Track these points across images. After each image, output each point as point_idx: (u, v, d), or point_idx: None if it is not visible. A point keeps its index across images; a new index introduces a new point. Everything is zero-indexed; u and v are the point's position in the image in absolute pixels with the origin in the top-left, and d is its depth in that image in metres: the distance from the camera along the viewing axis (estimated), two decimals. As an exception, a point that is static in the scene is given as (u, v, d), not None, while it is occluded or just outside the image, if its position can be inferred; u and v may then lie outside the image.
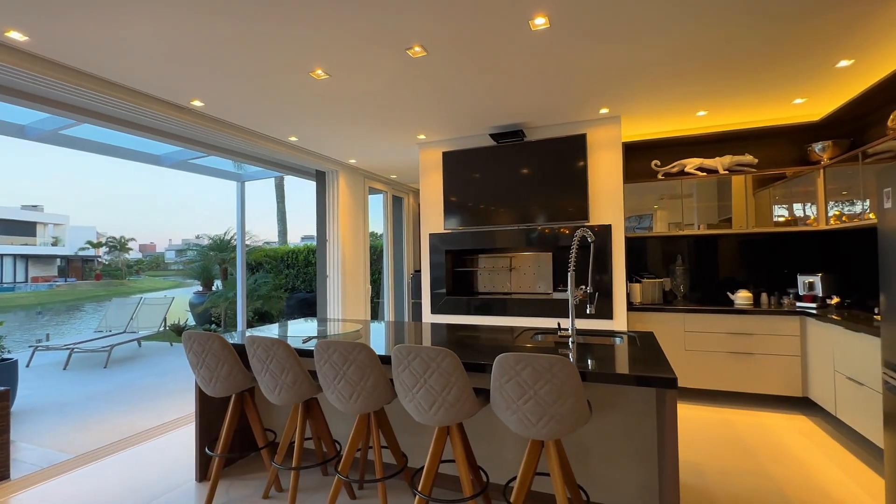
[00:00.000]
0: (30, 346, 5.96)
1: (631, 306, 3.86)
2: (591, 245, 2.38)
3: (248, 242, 9.51)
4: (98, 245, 32.80)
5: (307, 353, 2.24)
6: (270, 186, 14.44)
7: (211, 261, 9.23)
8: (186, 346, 2.23)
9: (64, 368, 5.53)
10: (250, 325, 8.09)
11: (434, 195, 4.29)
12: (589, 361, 1.83)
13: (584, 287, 2.30)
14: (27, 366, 5.63)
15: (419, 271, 6.42)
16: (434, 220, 4.29)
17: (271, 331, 2.83)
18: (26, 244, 28.53)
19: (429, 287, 4.28)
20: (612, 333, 2.53)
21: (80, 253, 31.31)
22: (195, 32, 2.21)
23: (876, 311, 3.05)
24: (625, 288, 3.63)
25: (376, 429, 2.05)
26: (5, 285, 25.72)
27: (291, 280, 9.31)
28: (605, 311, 3.63)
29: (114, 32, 2.19)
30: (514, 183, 3.91)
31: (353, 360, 1.86)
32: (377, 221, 6.34)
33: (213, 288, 9.34)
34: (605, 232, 3.65)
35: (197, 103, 3.16)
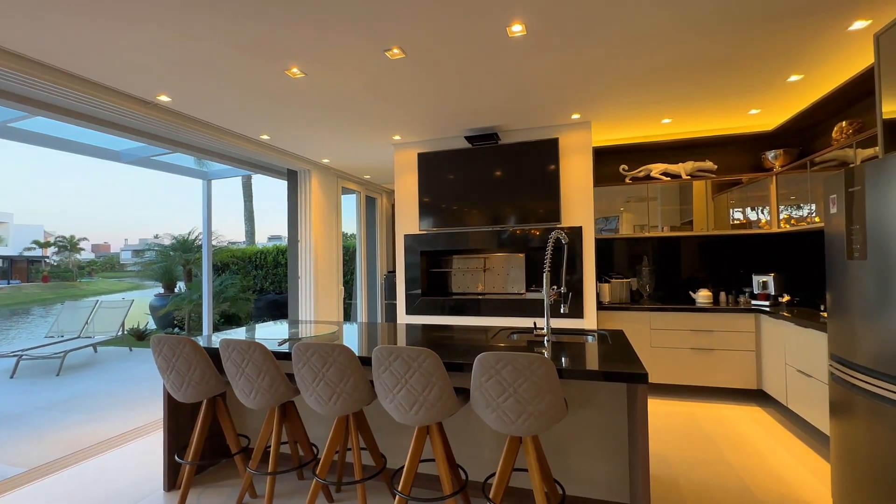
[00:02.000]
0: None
1: (601, 305, 4.00)
2: (565, 246, 2.45)
3: (213, 242, 9.18)
4: (46, 245, 30.79)
5: (283, 356, 2.21)
6: (237, 185, 14.01)
7: (174, 262, 8.84)
8: (155, 351, 2.14)
9: (11, 377, 5.18)
10: (216, 328, 7.81)
11: (409, 196, 4.30)
12: (565, 359, 1.89)
13: (557, 287, 2.38)
14: (-32, 375, 5.24)
15: (393, 272, 6.40)
16: (409, 221, 4.30)
17: (240, 334, 2.76)
18: (-37, 244, 26.45)
19: (404, 288, 4.28)
20: (584, 332, 2.62)
21: (26, 253, 29.29)
22: (164, 26, 2.14)
23: (822, 307, 3.30)
24: (595, 288, 3.76)
25: (355, 430, 2.05)
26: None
27: (260, 281, 9.06)
28: (576, 311, 3.74)
29: (74, 23, 2.08)
30: (489, 185, 3.97)
31: (332, 361, 1.85)
32: (350, 222, 6.28)
33: (176, 290, 8.97)
34: (575, 233, 3.77)
35: (164, 98, 3.04)
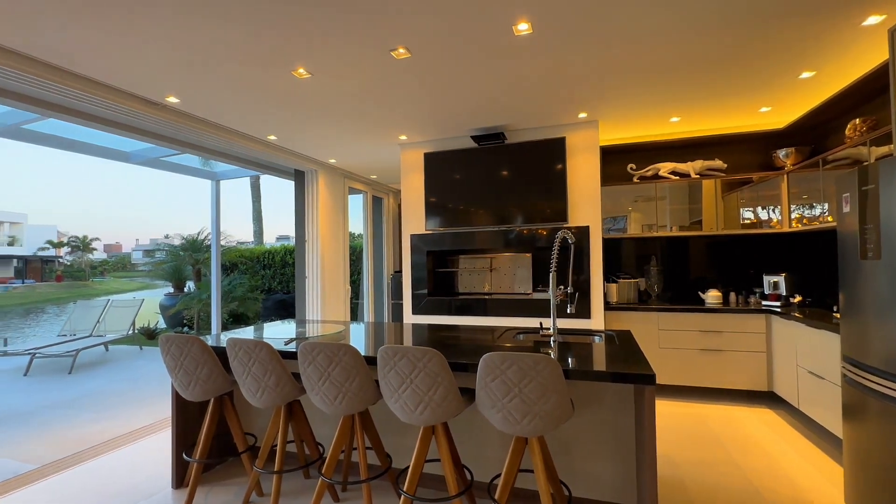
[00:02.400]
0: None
1: (608, 306, 3.97)
2: (572, 246, 2.44)
3: (222, 242, 9.26)
4: (59, 245, 31.30)
5: (290, 355, 2.22)
6: (245, 186, 14.12)
7: (183, 262, 8.94)
8: (163, 350, 2.17)
9: (24, 375, 5.27)
10: (225, 327, 7.89)
11: (415, 196, 4.30)
12: (571, 359, 1.88)
13: (563, 287, 2.36)
14: (-17, 372, 5.34)
15: (399, 272, 6.41)
16: (415, 220, 4.30)
17: (248, 333, 2.78)
18: (-21, 244, 26.98)
19: (410, 288, 4.29)
20: (591, 332, 2.60)
21: (40, 253, 29.80)
22: (173, 29, 2.16)
23: (834, 308, 3.24)
24: (602, 288, 3.73)
25: (361, 430, 2.05)
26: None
27: (268, 281, 9.13)
28: (584, 311, 3.72)
29: (84, 26, 2.11)
30: (495, 185, 3.96)
31: (338, 361, 1.86)
32: (357, 222, 6.30)
33: (186, 289, 9.07)
34: (583, 233, 3.75)
35: (172, 100, 3.07)
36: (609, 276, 4.34)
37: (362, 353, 1.99)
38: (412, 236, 4.31)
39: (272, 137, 4.03)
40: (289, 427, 2.21)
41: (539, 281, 4.17)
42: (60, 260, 31.53)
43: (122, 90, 2.90)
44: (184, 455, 2.32)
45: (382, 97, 3.11)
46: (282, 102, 3.16)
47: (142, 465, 2.73)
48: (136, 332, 7.69)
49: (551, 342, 2.23)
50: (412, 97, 3.13)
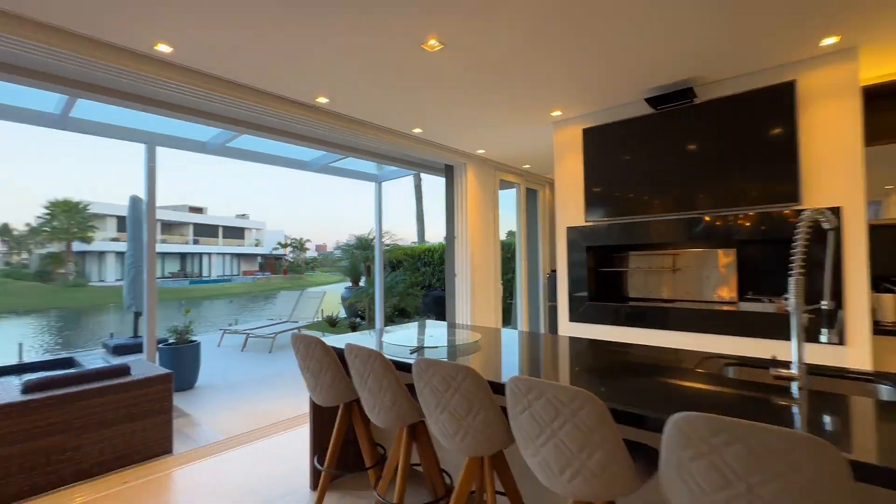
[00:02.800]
0: (220, 329, 7.14)
1: (877, 327, 2.60)
2: (829, 234, 1.50)
3: (390, 241, 10.03)
4: (285, 245, 39.85)
5: (409, 367, 1.90)
6: (410, 187, 15.24)
7: (357, 259, 9.99)
8: (294, 349, 2.10)
9: (241, 350, 6.44)
10: (390, 320, 8.44)
11: (572, 182, 3.62)
12: (851, 438, 1.05)
13: (823, 302, 1.46)
14: (218, 346, 6.74)
15: (555, 271, 5.75)
16: (572, 211, 3.63)
17: (397, 332, 2.59)
18: (238, 245, 36.37)
19: (566, 291, 3.64)
20: (866, 377, 1.58)
21: (273, 252, 38.48)
22: (314, 29, 2.06)
23: None
24: (867, 300, 2.45)
25: (490, 475, 1.58)
26: (225, 277, 33.14)
27: (427, 278, 9.48)
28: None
29: (242, 38, 2.17)
30: (679, 160, 3.01)
31: (457, 386, 1.43)
32: (510, 216, 5.88)
33: (360, 283, 10.11)
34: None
35: (322, 100, 3.14)
36: (879, 282, 2.88)
37: (499, 375, 1.52)
38: (569, 229, 3.65)
39: (417, 130, 3.90)
40: (411, 451, 1.89)
41: (747, 286, 3.04)
42: (286, 257, 40.07)
43: (281, 96, 3.06)
44: (315, 462, 2.24)
45: (527, 61, 2.58)
46: (416, 85, 2.91)
47: (297, 452, 2.81)
48: (323, 319, 8.86)
49: (794, 390, 1.37)
50: (565, 53, 2.51)
